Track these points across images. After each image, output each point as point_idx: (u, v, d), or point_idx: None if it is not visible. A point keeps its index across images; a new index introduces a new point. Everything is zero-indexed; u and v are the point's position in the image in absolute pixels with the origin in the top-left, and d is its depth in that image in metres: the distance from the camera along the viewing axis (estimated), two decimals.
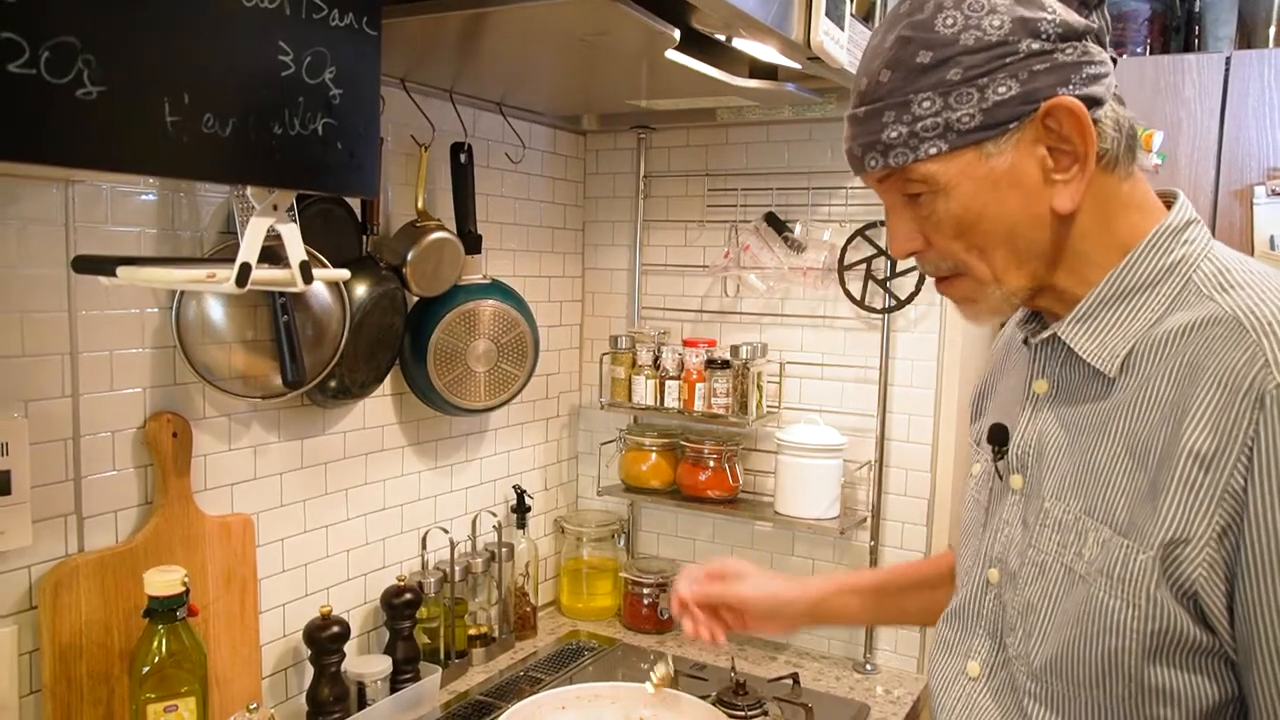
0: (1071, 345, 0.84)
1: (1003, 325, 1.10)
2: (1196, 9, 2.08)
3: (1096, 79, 0.79)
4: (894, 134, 0.79)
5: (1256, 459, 0.70)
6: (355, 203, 1.49)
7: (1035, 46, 0.77)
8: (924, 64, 0.78)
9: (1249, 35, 2.01)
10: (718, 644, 1.21)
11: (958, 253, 0.83)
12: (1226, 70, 1.87)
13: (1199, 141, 1.89)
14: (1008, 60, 0.76)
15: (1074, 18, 0.78)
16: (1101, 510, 0.79)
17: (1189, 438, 0.74)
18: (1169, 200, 0.85)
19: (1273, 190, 1.81)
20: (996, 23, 0.76)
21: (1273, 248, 1.79)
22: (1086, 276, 0.83)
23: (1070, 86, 0.77)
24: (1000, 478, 0.92)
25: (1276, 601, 0.71)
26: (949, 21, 0.77)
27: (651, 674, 1.36)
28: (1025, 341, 0.93)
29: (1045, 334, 0.87)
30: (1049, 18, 0.77)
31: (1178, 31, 2.13)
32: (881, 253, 1.77)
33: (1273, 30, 1.98)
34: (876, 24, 1.51)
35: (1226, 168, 1.88)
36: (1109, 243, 0.83)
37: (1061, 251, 0.83)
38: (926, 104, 0.78)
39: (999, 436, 0.92)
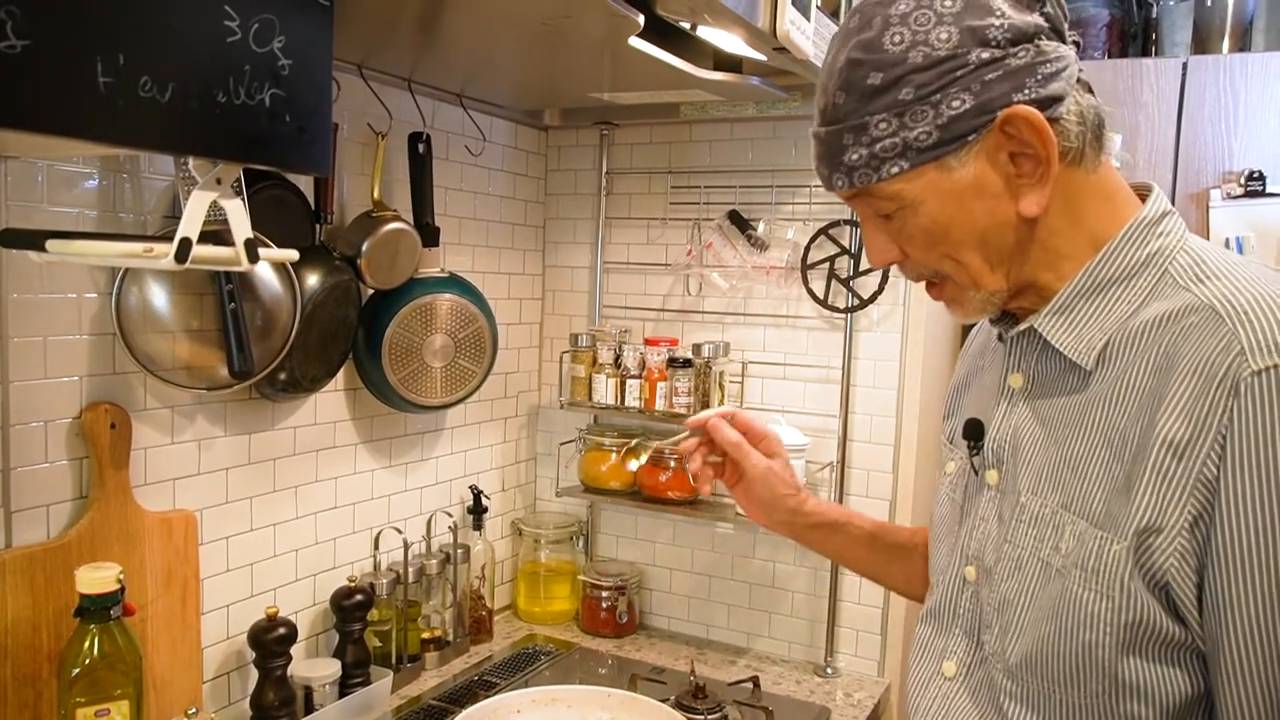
0: (1047, 338, 0.83)
1: (972, 327, 1.10)
2: (1154, 15, 2.11)
3: (1054, 76, 0.77)
4: (855, 156, 0.79)
5: (1230, 447, 0.69)
6: (309, 190, 1.45)
7: (985, 55, 0.75)
8: (875, 85, 0.77)
9: (1204, 41, 2.05)
10: (700, 490, 1.20)
11: (933, 262, 0.83)
12: (1183, 75, 1.90)
13: (1156, 145, 1.91)
14: (959, 73, 0.75)
15: (1024, 19, 0.76)
16: (1078, 504, 0.78)
17: (1163, 426, 0.73)
18: (1143, 193, 0.85)
19: (1228, 194, 1.83)
20: (944, 35, 0.75)
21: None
22: (1063, 270, 0.83)
23: (1026, 91, 0.76)
24: (976, 473, 0.91)
25: (1244, 591, 0.70)
26: (896, 39, 0.76)
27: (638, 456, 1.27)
28: (1000, 337, 0.92)
29: (1021, 327, 0.86)
30: (997, 23, 0.75)
31: (1135, 38, 2.16)
32: (845, 251, 1.76)
33: (1227, 37, 2.01)
34: (843, 18, 1.50)
35: (1183, 171, 1.90)
36: (1081, 236, 0.82)
37: (1033, 251, 0.82)
38: (883, 125, 0.77)
39: (974, 431, 0.91)
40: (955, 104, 0.76)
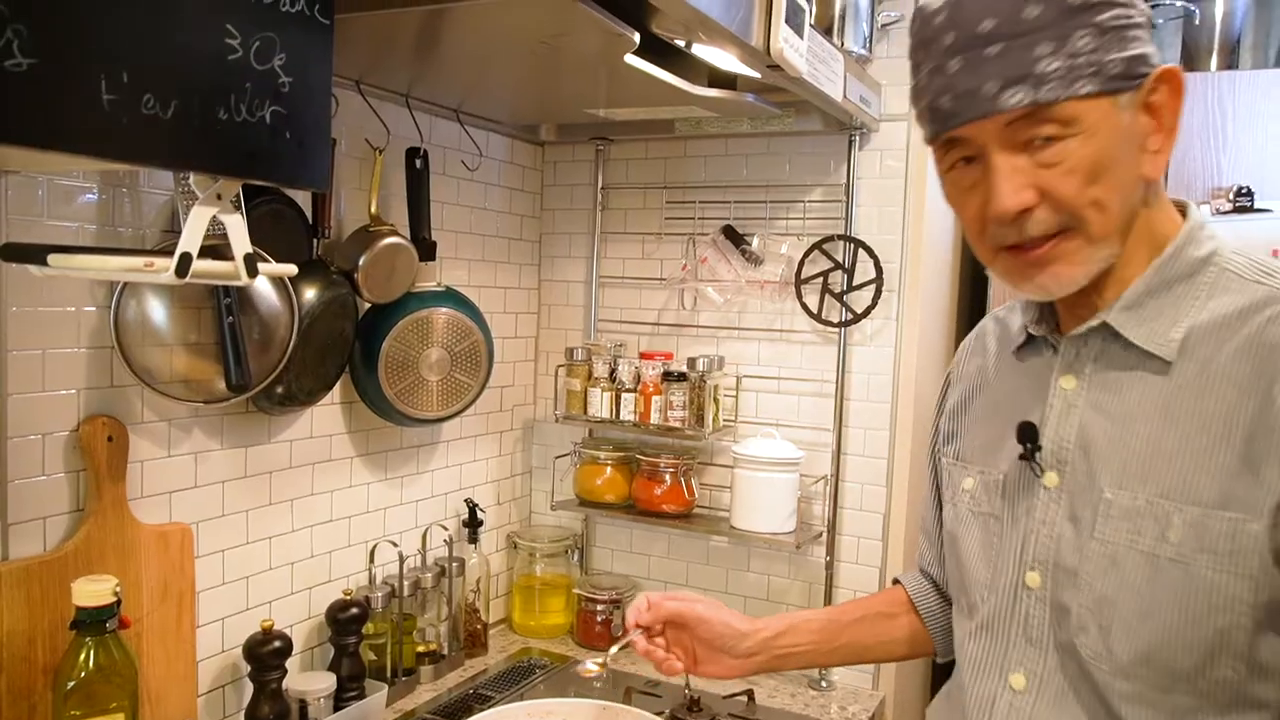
0: (1123, 332, 0.85)
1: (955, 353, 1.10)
2: None
3: None
4: (1052, 66, 0.76)
5: None
6: (306, 204, 1.46)
7: (1143, 19, 0.79)
8: (1081, 2, 0.77)
9: (1192, 59, 2.07)
10: (671, 671, 1.13)
11: (1082, 205, 0.79)
12: None
13: None
14: (1136, 19, 0.78)
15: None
16: (1181, 491, 0.79)
17: None
18: (1179, 205, 0.89)
19: (1217, 209, 1.85)
20: None
21: None
22: (1133, 257, 0.85)
23: (1161, 61, 0.81)
24: (1037, 476, 0.89)
25: None
26: None
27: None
28: (1029, 340, 0.95)
29: (1092, 323, 0.86)
30: (1144, 2, 0.81)
31: None
32: (839, 266, 1.78)
33: (1215, 54, 2.04)
34: (836, 37, 1.52)
35: (1173, 187, 1.92)
36: (1153, 228, 0.85)
37: (1137, 224, 0.84)
38: (1084, 41, 0.76)
39: (1030, 435, 0.89)
40: (1134, 47, 0.78)
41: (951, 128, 0.81)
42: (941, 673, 1.15)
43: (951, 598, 1.06)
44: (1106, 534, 0.83)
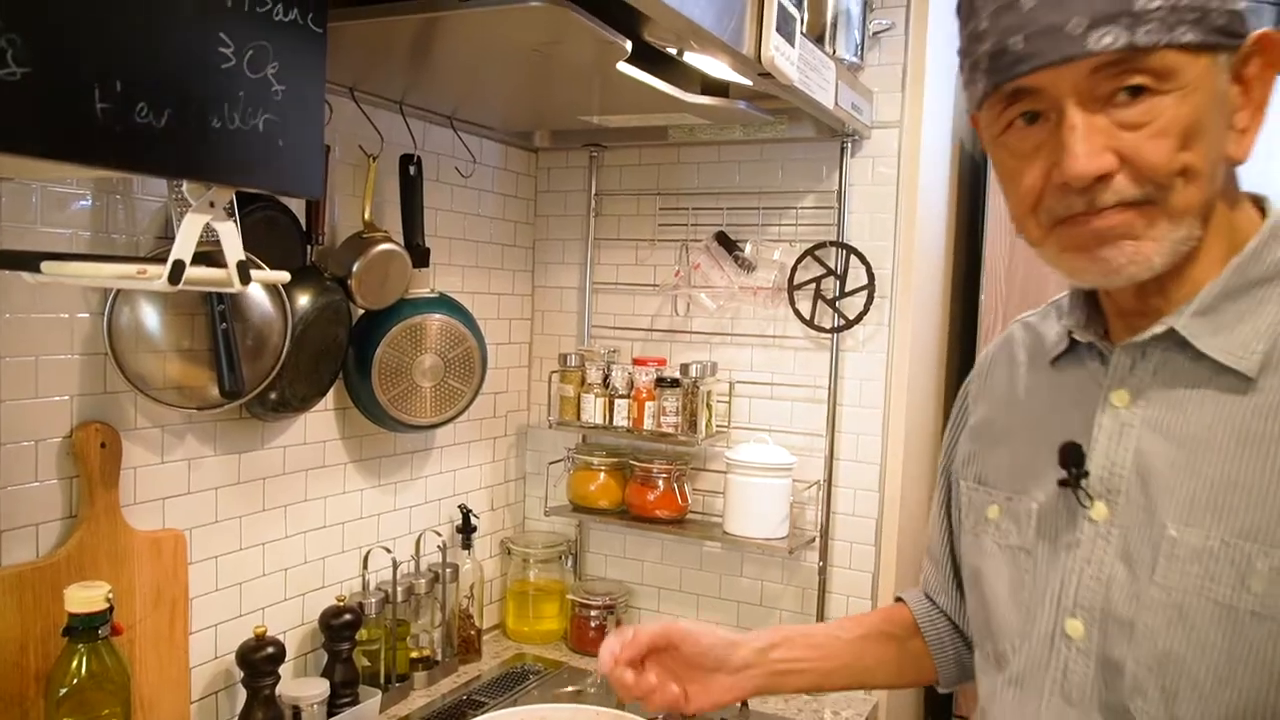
0: (1194, 342, 0.73)
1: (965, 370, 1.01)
2: None
3: None
4: (1153, 4, 0.65)
5: None
6: (300, 211, 1.46)
7: None
8: None
9: None
10: (669, 701, 1.01)
11: (1170, 173, 0.68)
12: None
13: None
14: None
15: None
16: (1265, 531, 0.68)
17: None
18: (1255, 200, 0.80)
19: None
20: None
21: None
22: (1208, 254, 0.74)
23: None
24: (1085, 506, 0.78)
25: None
26: None
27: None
28: (1070, 348, 0.84)
29: (1157, 330, 0.75)
30: None
31: None
32: (831, 272, 1.79)
33: None
34: (827, 45, 1.53)
35: None
36: (1233, 223, 0.75)
37: (1214, 214, 0.73)
38: None
39: (1076, 458, 0.78)
40: (1234, 2, 0.68)
41: (1022, 73, 0.69)
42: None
43: (971, 638, 0.95)
44: (1171, 579, 0.71)
